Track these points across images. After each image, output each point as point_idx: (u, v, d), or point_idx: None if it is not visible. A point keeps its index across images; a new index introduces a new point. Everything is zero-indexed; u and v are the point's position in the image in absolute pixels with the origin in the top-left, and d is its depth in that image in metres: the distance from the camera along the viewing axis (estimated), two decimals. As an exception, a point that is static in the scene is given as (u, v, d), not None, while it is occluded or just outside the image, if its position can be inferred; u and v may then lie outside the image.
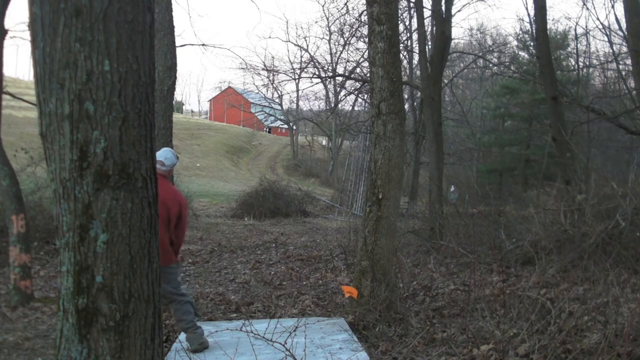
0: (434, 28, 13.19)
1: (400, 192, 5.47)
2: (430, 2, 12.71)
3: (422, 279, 6.61)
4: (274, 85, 30.67)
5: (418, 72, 16.03)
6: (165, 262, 3.95)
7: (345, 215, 18.22)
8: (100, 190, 1.67)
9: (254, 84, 47.23)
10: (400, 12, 14.13)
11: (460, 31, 41.41)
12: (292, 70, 23.27)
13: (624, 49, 13.91)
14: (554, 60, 14.79)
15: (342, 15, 18.61)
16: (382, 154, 5.09)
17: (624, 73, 14.89)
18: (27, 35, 8.52)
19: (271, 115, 45.42)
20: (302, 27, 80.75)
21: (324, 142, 42.99)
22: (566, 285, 5.22)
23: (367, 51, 11.42)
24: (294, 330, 3.57)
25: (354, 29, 16.73)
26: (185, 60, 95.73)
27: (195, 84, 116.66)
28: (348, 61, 20.27)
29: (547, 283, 5.34)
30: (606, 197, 6.75)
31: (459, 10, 36.24)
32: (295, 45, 40.54)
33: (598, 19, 51.04)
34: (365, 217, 5.24)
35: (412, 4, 14.62)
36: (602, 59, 20.14)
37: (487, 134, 26.26)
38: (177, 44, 5.52)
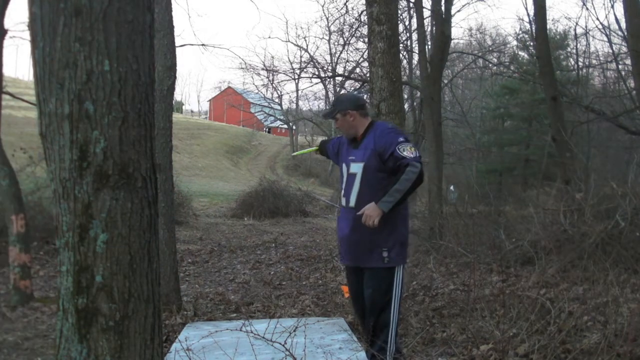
0: (434, 28, 13.19)
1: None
2: (430, 2, 12.72)
3: (422, 279, 6.61)
4: (274, 85, 30.74)
5: (418, 72, 16.02)
6: None
7: (345, 215, 18.17)
8: (100, 190, 1.67)
9: (253, 84, 47.09)
10: (400, 12, 14.12)
11: (460, 31, 41.44)
12: (292, 70, 23.27)
13: (624, 49, 13.89)
14: (554, 60, 14.80)
15: (342, 15, 18.57)
16: (382, 154, 5.08)
17: (623, 73, 14.87)
18: (27, 35, 8.51)
19: (271, 115, 45.40)
20: (301, 27, 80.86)
21: (323, 142, 42.86)
22: (566, 285, 5.20)
23: (367, 51, 11.42)
24: (294, 331, 3.56)
25: (353, 29, 16.75)
26: (185, 60, 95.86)
27: (195, 84, 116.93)
28: (348, 61, 20.28)
29: (546, 283, 5.33)
30: (606, 197, 6.75)
31: (458, 10, 36.27)
32: (295, 45, 40.63)
33: (598, 19, 51.10)
34: (365, 217, 5.22)
35: (412, 4, 14.61)
36: (602, 59, 20.10)
37: (487, 134, 26.25)
38: (177, 44, 5.50)
